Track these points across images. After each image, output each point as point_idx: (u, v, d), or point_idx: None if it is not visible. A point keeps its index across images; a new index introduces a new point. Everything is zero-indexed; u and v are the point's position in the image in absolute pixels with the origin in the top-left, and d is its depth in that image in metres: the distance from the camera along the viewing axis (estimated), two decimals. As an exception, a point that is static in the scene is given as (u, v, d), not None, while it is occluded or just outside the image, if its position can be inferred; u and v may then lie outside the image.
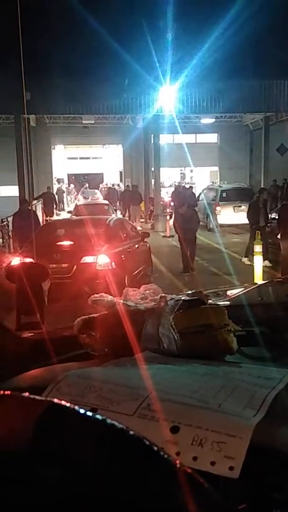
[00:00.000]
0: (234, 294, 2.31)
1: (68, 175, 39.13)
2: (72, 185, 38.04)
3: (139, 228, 15.96)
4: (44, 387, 1.07)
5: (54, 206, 24.76)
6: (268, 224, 12.12)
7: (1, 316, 1.67)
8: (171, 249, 14.11)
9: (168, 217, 19.12)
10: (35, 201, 20.69)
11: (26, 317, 1.57)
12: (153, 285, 1.63)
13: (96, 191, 32.51)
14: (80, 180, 38.96)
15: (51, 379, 1.10)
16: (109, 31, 21.23)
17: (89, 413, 0.60)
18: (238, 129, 31.78)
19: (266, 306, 2.05)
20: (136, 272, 9.73)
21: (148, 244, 11.22)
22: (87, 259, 8.80)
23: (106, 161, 37.90)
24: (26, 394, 0.62)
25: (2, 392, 0.62)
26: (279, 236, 10.73)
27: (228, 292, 2.41)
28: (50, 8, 24.95)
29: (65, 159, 37.33)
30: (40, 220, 20.01)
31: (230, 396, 0.99)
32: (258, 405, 0.95)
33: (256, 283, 4.99)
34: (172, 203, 21.73)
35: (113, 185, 32.80)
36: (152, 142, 24.77)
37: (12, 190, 23.72)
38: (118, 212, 23.22)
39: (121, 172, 34.77)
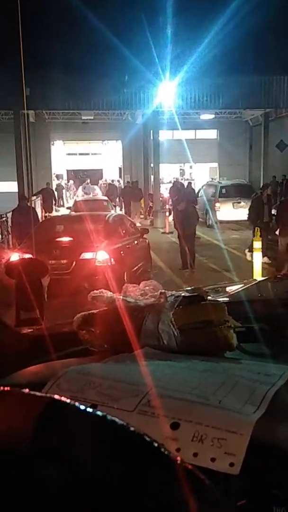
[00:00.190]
0: (233, 291, 2.31)
1: (67, 171, 39.06)
2: (71, 181, 37.98)
3: (138, 224, 15.95)
4: (43, 383, 1.07)
5: (53, 202, 24.73)
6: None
7: (1, 312, 1.66)
8: (171, 245, 14.11)
9: (167, 213, 19.11)
10: (34, 197, 20.66)
11: (26, 313, 1.57)
12: (153, 281, 1.63)
13: (95, 187, 32.47)
14: (79, 176, 38.89)
15: (51, 375, 1.10)
16: (108, 27, 21.19)
17: (90, 410, 0.60)
18: (237, 125, 31.72)
19: (265, 302, 2.05)
20: (135, 268, 9.73)
21: (147, 240, 11.21)
22: (86, 255, 8.79)
23: (106, 157, 37.82)
24: (26, 390, 0.62)
25: (1, 388, 0.62)
26: (277, 232, 10.74)
27: (228, 289, 2.40)
28: (50, 4, 24.89)
29: (64, 155, 37.25)
30: (39, 216, 20.02)
31: (230, 392, 0.98)
32: (258, 402, 0.95)
33: (255, 280, 5.00)
34: (170, 199, 21.71)
35: (112, 181, 32.76)
36: (152, 138, 24.72)
37: (11, 186, 23.69)
38: (117, 208, 23.21)
39: (120, 168, 34.71)
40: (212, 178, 29.91)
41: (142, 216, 23.60)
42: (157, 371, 1.12)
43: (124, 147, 32.20)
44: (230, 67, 22.48)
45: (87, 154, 38.39)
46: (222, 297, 1.99)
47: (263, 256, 10.50)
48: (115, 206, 22.42)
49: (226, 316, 1.37)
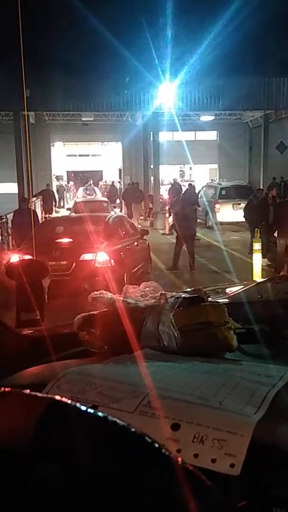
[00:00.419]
0: (233, 292, 2.31)
1: (67, 172, 39.08)
2: (71, 182, 38.00)
3: (138, 226, 15.94)
4: (44, 384, 1.07)
5: (53, 203, 24.73)
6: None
7: (1, 313, 1.66)
8: (170, 246, 14.08)
9: (167, 215, 19.10)
10: (34, 198, 20.66)
11: (26, 314, 1.57)
12: (153, 282, 1.63)
13: (96, 188, 32.50)
14: (79, 177, 38.91)
15: (51, 376, 1.10)
16: (108, 28, 21.22)
17: (90, 410, 0.60)
18: (237, 127, 31.73)
19: (265, 303, 2.05)
20: (135, 269, 9.73)
21: (147, 242, 11.21)
22: (86, 256, 8.79)
23: (105, 158, 37.84)
24: (27, 391, 0.62)
25: (2, 389, 0.62)
26: (275, 234, 10.75)
27: (228, 290, 2.40)
28: (50, 5, 24.90)
29: (64, 156, 37.28)
30: (39, 217, 20.01)
31: (230, 393, 0.98)
32: (258, 403, 0.95)
33: (255, 281, 4.99)
34: (170, 201, 21.70)
35: (112, 182, 32.76)
36: (152, 139, 24.73)
37: (11, 187, 23.69)
38: (117, 210, 23.20)
39: (120, 170, 34.72)
40: (212, 180, 29.93)
41: (142, 218, 23.59)
42: (157, 372, 1.12)
43: (124, 148, 32.20)
44: (230, 69, 22.51)
45: (87, 155, 38.41)
46: (222, 299, 1.99)
47: (263, 258, 10.50)
48: (115, 208, 22.39)
49: (226, 318, 1.37)
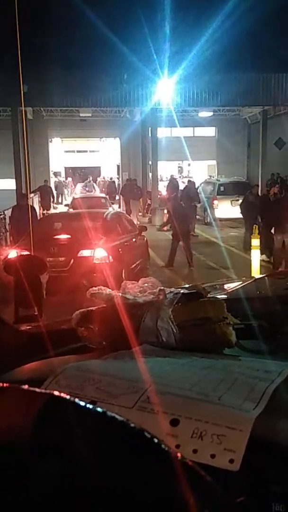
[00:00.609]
0: (232, 288, 2.31)
1: (65, 168, 39.03)
2: (69, 178, 37.95)
3: (137, 222, 15.92)
4: (42, 380, 1.07)
5: (51, 200, 24.71)
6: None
7: (0, 308, 1.66)
8: (169, 243, 14.09)
9: (165, 211, 19.08)
10: (32, 194, 20.63)
11: (25, 310, 1.57)
12: (152, 278, 1.63)
13: (94, 184, 32.48)
14: (78, 173, 38.87)
15: (50, 372, 1.10)
16: (106, 23, 21.14)
17: (90, 406, 0.59)
18: (236, 123, 31.70)
19: (264, 299, 2.05)
20: (133, 265, 9.73)
21: (145, 238, 11.21)
22: (84, 252, 8.79)
23: (103, 154, 37.79)
24: (26, 386, 0.62)
25: (1, 384, 0.62)
26: (272, 231, 10.75)
27: (226, 286, 2.41)
28: (48, 0, 24.80)
29: (62, 152, 37.21)
30: (37, 214, 19.97)
31: (230, 389, 0.98)
32: (258, 398, 0.95)
33: (253, 277, 5.00)
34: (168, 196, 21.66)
35: (111, 178, 32.74)
36: (150, 135, 24.68)
37: (9, 183, 23.64)
38: (116, 206, 23.17)
39: (118, 166, 34.68)
40: (210, 176, 29.91)
41: (140, 214, 23.58)
42: (156, 368, 1.12)
43: (122, 144, 32.15)
44: (229, 65, 22.45)
45: (85, 151, 38.36)
46: (221, 295, 1.99)
47: (261, 254, 10.51)
48: (113, 204, 22.37)
49: (225, 313, 1.37)
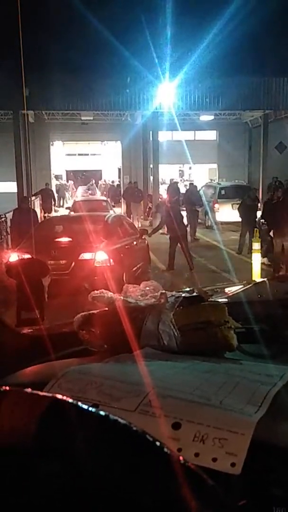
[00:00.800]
0: (233, 292, 2.31)
1: (67, 171, 39.07)
2: (70, 181, 37.98)
3: (139, 225, 15.92)
4: (44, 383, 1.07)
5: (53, 203, 24.73)
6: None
7: (1, 311, 1.66)
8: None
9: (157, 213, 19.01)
10: (33, 197, 20.65)
11: (26, 313, 1.57)
12: (153, 281, 1.63)
13: (96, 188, 32.53)
14: (79, 177, 38.91)
15: (52, 375, 1.10)
16: (108, 27, 21.23)
17: (92, 409, 0.60)
18: (237, 127, 31.72)
19: (265, 303, 2.05)
20: (134, 269, 9.73)
21: (146, 241, 11.21)
22: (85, 255, 8.79)
23: (105, 157, 37.83)
24: (29, 389, 0.62)
25: (4, 387, 0.62)
26: (271, 234, 10.76)
27: (227, 290, 2.40)
28: (50, 4, 24.88)
29: (64, 156, 37.26)
30: (39, 217, 19.97)
31: (231, 392, 0.99)
32: (259, 402, 0.95)
33: (254, 281, 4.99)
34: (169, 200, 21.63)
35: (113, 182, 32.78)
36: (151, 139, 24.71)
37: (10, 186, 23.67)
38: (118, 209, 23.19)
39: (119, 169, 34.71)
40: (211, 179, 29.92)
41: (141, 217, 23.58)
42: (158, 371, 1.12)
43: (124, 147, 32.18)
44: (230, 69, 22.53)
45: (87, 154, 38.40)
46: (222, 298, 1.99)
47: (263, 257, 10.50)
48: (113, 207, 22.38)
49: (226, 317, 1.37)
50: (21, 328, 1.63)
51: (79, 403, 0.60)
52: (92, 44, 24.77)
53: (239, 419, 0.88)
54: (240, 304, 1.77)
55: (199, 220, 18.75)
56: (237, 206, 14.64)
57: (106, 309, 1.46)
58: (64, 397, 0.61)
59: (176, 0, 23.29)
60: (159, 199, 22.56)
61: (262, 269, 9.70)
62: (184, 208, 17.89)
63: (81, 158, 38.45)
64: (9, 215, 13.17)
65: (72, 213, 16.70)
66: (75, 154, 38.18)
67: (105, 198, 22.94)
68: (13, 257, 7.41)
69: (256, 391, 1.00)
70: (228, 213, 19.74)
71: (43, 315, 1.59)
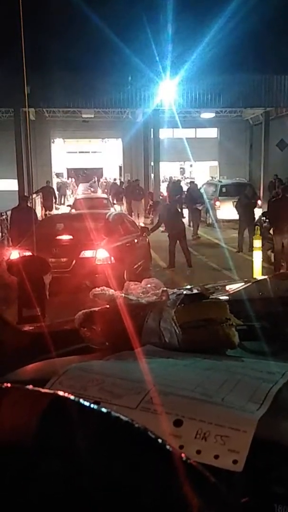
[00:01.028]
0: (234, 289, 2.31)
1: (68, 169, 39.07)
2: (71, 179, 37.98)
3: (141, 224, 15.90)
4: (46, 380, 1.07)
5: (54, 200, 24.74)
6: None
7: (3, 309, 1.66)
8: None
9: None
10: (34, 195, 20.64)
11: (28, 310, 1.57)
12: (155, 279, 1.63)
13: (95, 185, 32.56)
14: (80, 174, 38.90)
15: (53, 372, 1.10)
16: (109, 25, 21.20)
17: (94, 406, 0.60)
18: (238, 124, 31.70)
19: (266, 300, 2.05)
20: (135, 266, 9.73)
21: (147, 239, 11.21)
22: (86, 253, 8.79)
23: (106, 155, 37.81)
24: (30, 386, 0.62)
25: (6, 384, 0.62)
26: (271, 232, 10.75)
27: (228, 287, 2.40)
28: (51, 2, 24.84)
29: (65, 153, 37.25)
30: (40, 214, 19.97)
31: (233, 390, 0.98)
32: (261, 399, 0.95)
33: (255, 278, 5.00)
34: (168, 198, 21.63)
35: (115, 179, 32.80)
36: (152, 136, 24.70)
37: (11, 184, 23.68)
38: (118, 207, 23.19)
39: (120, 167, 34.70)
40: (212, 177, 29.89)
41: (142, 215, 23.58)
42: (159, 368, 1.12)
43: (125, 145, 32.18)
44: (231, 66, 22.50)
45: (87, 152, 38.39)
46: (223, 296, 1.99)
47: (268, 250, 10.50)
48: (114, 204, 22.37)
49: (227, 314, 1.37)
50: (22, 326, 1.63)
51: (81, 401, 0.60)
52: (93, 41, 24.76)
53: (241, 416, 0.88)
54: (242, 302, 1.77)
55: (201, 219, 18.74)
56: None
57: (107, 306, 1.46)
58: (66, 395, 0.61)
59: (177, -3, 23.23)
60: (160, 197, 22.58)
61: (263, 267, 9.69)
62: (186, 206, 17.89)
63: (82, 156, 38.44)
64: (10, 214, 13.15)
65: (73, 210, 16.70)
66: (76, 152, 38.17)
67: (105, 196, 22.93)
68: (14, 254, 7.41)
69: (257, 388, 0.99)
70: (229, 211, 19.68)
71: (44, 312, 1.59)
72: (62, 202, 29.97)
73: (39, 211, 20.89)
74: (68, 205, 22.54)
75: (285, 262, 10.54)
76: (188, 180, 27.20)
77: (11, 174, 23.23)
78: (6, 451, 0.55)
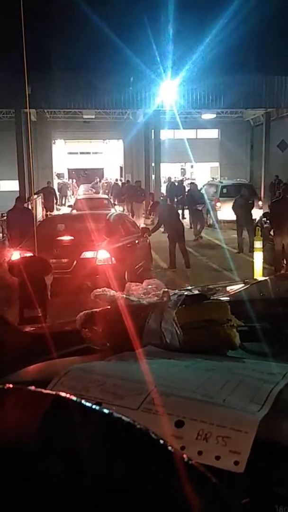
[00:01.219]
0: (235, 290, 2.31)
1: (69, 170, 39.09)
2: (72, 180, 37.99)
3: (142, 225, 15.90)
4: (47, 381, 1.07)
5: (55, 201, 24.74)
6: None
7: (4, 310, 1.66)
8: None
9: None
10: (35, 196, 20.64)
11: (29, 311, 1.57)
12: (156, 280, 1.63)
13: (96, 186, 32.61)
14: (81, 175, 38.93)
15: (55, 373, 1.10)
16: (110, 26, 21.22)
17: (96, 407, 0.60)
18: (239, 125, 31.70)
19: (267, 301, 2.05)
20: (136, 267, 9.73)
21: (148, 240, 11.20)
22: (87, 254, 8.79)
23: (107, 156, 37.83)
24: (32, 387, 0.62)
25: (9, 385, 0.62)
26: (272, 233, 10.75)
27: (229, 288, 2.40)
28: (52, 2, 24.86)
29: (66, 154, 37.27)
30: (40, 215, 19.96)
31: (234, 391, 0.98)
32: (262, 400, 0.95)
33: (256, 279, 5.00)
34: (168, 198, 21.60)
35: (116, 180, 32.81)
36: (153, 137, 24.70)
37: (12, 185, 23.68)
38: (119, 207, 23.19)
39: (121, 167, 34.71)
40: (213, 178, 29.88)
41: (143, 215, 23.57)
42: (161, 369, 1.12)
43: (125, 146, 32.19)
44: (232, 67, 22.50)
45: (88, 153, 38.41)
46: (224, 296, 1.99)
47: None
48: (114, 205, 22.36)
49: (229, 315, 1.37)
50: (23, 326, 1.63)
51: (82, 401, 0.60)
52: (94, 42, 24.80)
53: (242, 417, 0.88)
54: (243, 303, 1.77)
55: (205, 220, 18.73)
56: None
57: (109, 307, 1.46)
58: (67, 395, 0.61)
59: (178, -2, 23.24)
60: (161, 197, 22.56)
61: (263, 268, 9.69)
62: (186, 207, 17.87)
63: (83, 157, 38.46)
64: (6, 215, 13.09)
65: (74, 211, 16.71)
66: (77, 153, 38.19)
67: (106, 196, 22.94)
68: (15, 255, 7.41)
69: (259, 389, 1.00)
70: (230, 211, 19.63)
71: (45, 313, 1.59)
72: (63, 202, 29.98)
73: (40, 212, 20.89)
74: (69, 206, 22.54)
75: (286, 262, 10.54)
76: (189, 181, 27.20)
77: (12, 175, 23.23)
78: (7, 451, 0.55)
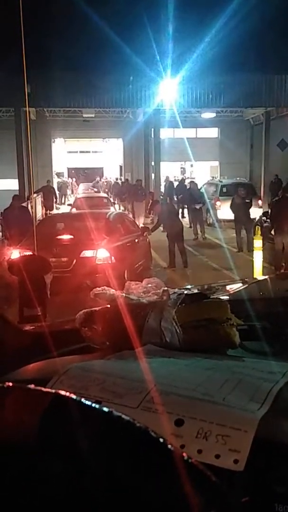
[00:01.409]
0: (235, 289, 2.31)
1: (68, 168, 39.09)
2: (72, 179, 37.99)
3: (141, 225, 15.90)
4: (47, 380, 1.07)
5: (54, 200, 24.73)
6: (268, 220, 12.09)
7: (4, 308, 1.66)
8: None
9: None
10: (35, 195, 20.63)
11: (29, 309, 1.57)
12: (156, 279, 1.63)
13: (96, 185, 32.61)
14: (80, 174, 38.93)
15: (54, 372, 1.10)
16: (110, 24, 21.17)
17: (95, 405, 0.60)
18: (239, 124, 31.69)
19: (267, 300, 2.05)
20: (136, 266, 9.73)
21: (147, 239, 11.20)
22: (87, 253, 8.79)
23: (106, 155, 37.83)
24: (32, 386, 0.62)
25: (9, 383, 0.62)
26: (272, 232, 10.76)
27: (229, 287, 2.40)
28: (52, 1, 24.85)
29: (65, 153, 37.26)
30: (40, 214, 19.94)
31: (234, 389, 0.99)
32: (262, 399, 0.95)
33: (256, 278, 5.00)
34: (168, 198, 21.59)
35: (116, 179, 32.80)
36: (153, 136, 24.69)
37: (12, 184, 23.66)
38: (119, 206, 23.19)
39: (121, 166, 34.71)
40: (213, 177, 29.88)
41: (143, 215, 23.55)
42: (160, 368, 1.13)
43: (125, 145, 32.18)
44: (232, 66, 22.46)
45: (88, 152, 38.41)
46: (224, 295, 1.99)
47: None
48: (115, 204, 22.35)
49: (228, 314, 1.37)
50: (23, 325, 1.63)
51: (82, 400, 0.60)
52: (94, 41, 24.72)
53: (242, 416, 0.88)
54: (242, 302, 1.77)
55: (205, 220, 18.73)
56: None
57: (108, 306, 1.46)
58: (67, 394, 0.61)
59: (178, -3, 23.19)
60: (161, 196, 22.55)
61: (263, 267, 9.69)
62: (186, 206, 17.86)
63: (83, 156, 38.47)
64: (3, 213, 13.07)
65: (74, 209, 16.70)
66: (76, 152, 38.19)
67: (106, 195, 22.94)
68: (15, 254, 7.41)
69: (258, 388, 1.00)
70: (229, 210, 19.68)
71: (45, 312, 1.59)
72: (63, 201, 29.98)
73: (40, 211, 20.88)
74: (68, 204, 22.54)
75: (286, 262, 10.55)
76: (189, 180, 27.20)
77: (11, 173, 23.21)
78: (7, 450, 0.55)
